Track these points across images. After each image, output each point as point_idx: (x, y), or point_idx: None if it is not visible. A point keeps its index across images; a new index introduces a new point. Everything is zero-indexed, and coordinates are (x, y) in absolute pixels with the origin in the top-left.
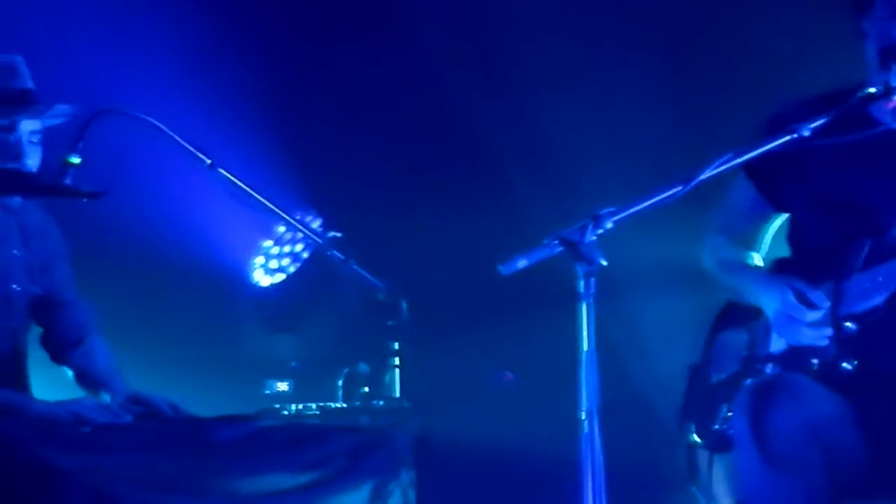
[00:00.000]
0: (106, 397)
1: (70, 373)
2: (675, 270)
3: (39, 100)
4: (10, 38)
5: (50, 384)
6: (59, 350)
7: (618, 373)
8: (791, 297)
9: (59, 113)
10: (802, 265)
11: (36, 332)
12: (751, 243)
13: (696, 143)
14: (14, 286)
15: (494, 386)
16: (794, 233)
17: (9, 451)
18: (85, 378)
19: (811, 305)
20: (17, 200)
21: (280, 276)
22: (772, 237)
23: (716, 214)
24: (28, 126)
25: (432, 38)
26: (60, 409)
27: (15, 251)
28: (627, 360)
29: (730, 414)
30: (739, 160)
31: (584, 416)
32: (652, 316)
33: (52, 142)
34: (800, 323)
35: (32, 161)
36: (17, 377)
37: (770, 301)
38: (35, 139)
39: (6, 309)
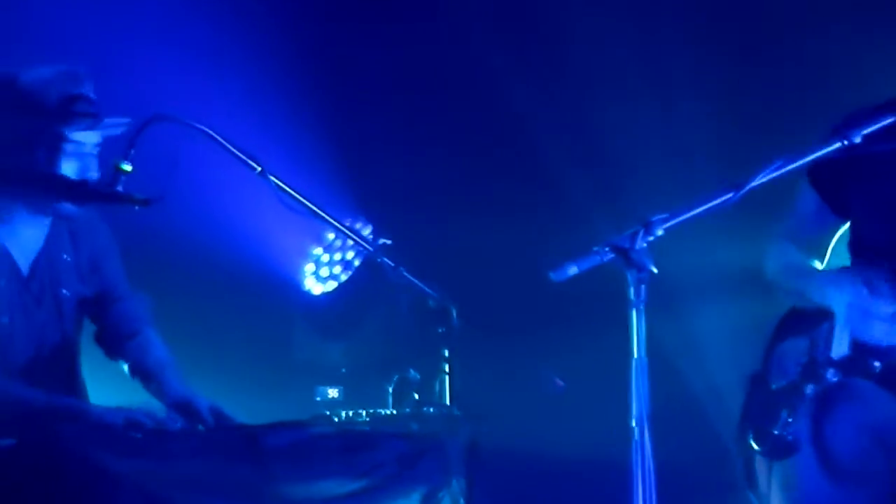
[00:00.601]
0: (157, 403)
1: (125, 366)
2: (731, 277)
3: (94, 111)
4: (66, 46)
5: (103, 387)
6: (114, 344)
7: (672, 380)
8: (865, 290)
9: (115, 124)
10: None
11: (89, 332)
12: (815, 251)
13: (752, 144)
14: (64, 291)
15: (545, 392)
16: (855, 240)
17: (64, 454)
18: (139, 370)
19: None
20: (69, 207)
21: (332, 284)
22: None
23: (781, 222)
24: (88, 137)
25: (484, 40)
26: (114, 414)
27: (65, 256)
28: (682, 367)
29: (790, 420)
30: (790, 167)
31: (634, 424)
32: (707, 323)
33: (105, 149)
34: (874, 316)
35: (91, 172)
36: (71, 381)
37: (841, 296)
38: (94, 151)
39: (57, 314)
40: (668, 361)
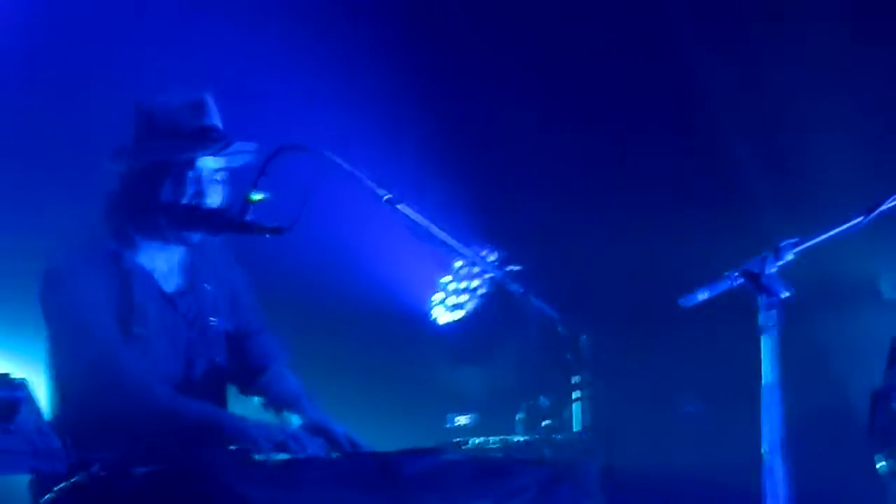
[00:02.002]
0: (293, 419)
1: (257, 399)
2: (862, 293)
3: (222, 137)
4: (192, 75)
5: None
6: (246, 379)
7: (809, 399)
8: None
9: (241, 149)
10: None
11: None
12: None
13: None
14: (212, 319)
15: (680, 416)
16: None
17: (203, 483)
18: (271, 401)
19: None
20: (196, 236)
21: (459, 313)
22: None
23: None
24: (213, 164)
25: (602, 64)
26: (268, 433)
27: (206, 286)
28: (817, 387)
29: None
30: None
31: (765, 451)
32: (838, 339)
33: (237, 179)
34: None
35: (213, 199)
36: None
37: None
38: (219, 177)
39: (206, 343)
40: (804, 380)
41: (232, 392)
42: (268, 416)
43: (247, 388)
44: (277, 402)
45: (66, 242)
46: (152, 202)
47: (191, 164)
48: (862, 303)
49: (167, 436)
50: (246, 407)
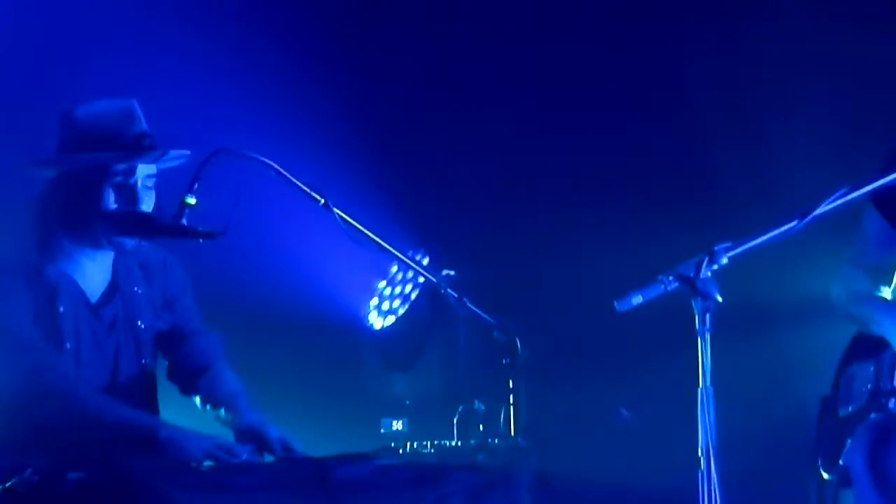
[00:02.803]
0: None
1: (198, 400)
2: (802, 302)
3: (156, 144)
4: (123, 81)
5: (179, 422)
6: (186, 379)
7: (743, 408)
8: None
9: (175, 156)
10: None
11: (162, 368)
12: (882, 276)
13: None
14: (139, 323)
15: (611, 423)
16: None
17: (133, 489)
18: (210, 400)
19: None
20: (130, 242)
21: (391, 319)
22: None
23: (849, 247)
24: (144, 170)
25: (539, 65)
26: (196, 443)
27: (137, 289)
28: (750, 394)
29: None
30: (855, 195)
31: (700, 454)
32: (780, 349)
33: (168, 183)
34: None
35: (147, 205)
36: (150, 412)
37: None
38: (150, 183)
39: (135, 346)
40: (743, 389)
41: (172, 392)
42: (207, 417)
43: (188, 389)
44: (216, 403)
45: None
46: (86, 209)
47: (129, 172)
48: (817, 313)
49: (100, 444)
50: (183, 406)
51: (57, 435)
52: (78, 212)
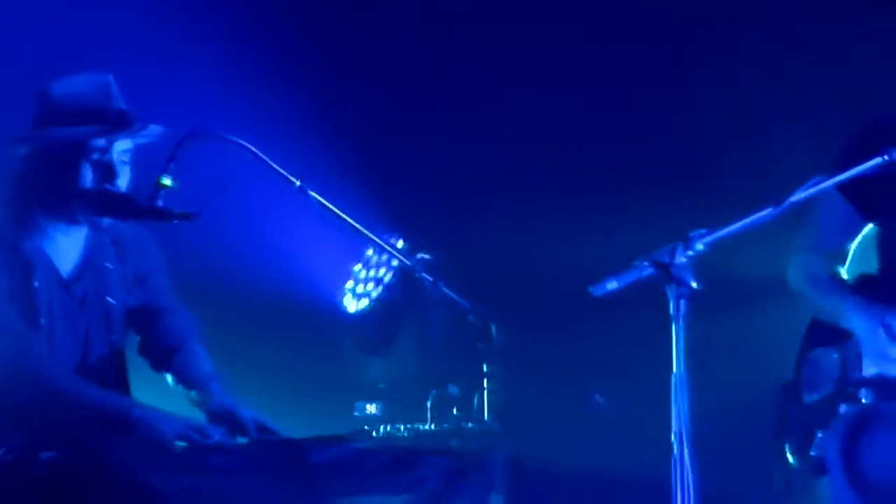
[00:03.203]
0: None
1: (170, 378)
2: (763, 285)
3: (134, 120)
4: (101, 57)
5: (146, 398)
6: (159, 357)
7: (713, 393)
8: (882, 334)
9: (152, 133)
10: (891, 281)
11: (133, 343)
12: (838, 259)
13: None
14: (109, 299)
15: (586, 408)
16: (884, 247)
17: (107, 469)
18: (183, 380)
19: None
20: (106, 221)
21: (364, 302)
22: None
23: (804, 232)
24: (120, 146)
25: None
26: (168, 424)
27: (108, 264)
28: (721, 379)
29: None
30: (830, 182)
31: (674, 438)
32: (742, 332)
33: (144, 163)
34: (890, 359)
35: (122, 181)
36: (119, 389)
37: (861, 329)
38: (126, 158)
39: (105, 322)
40: (708, 373)
41: (142, 369)
42: (177, 394)
43: (160, 366)
44: (188, 382)
45: None
46: (63, 186)
47: (105, 148)
48: (773, 296)
49: (73, 425)
50: (153, 383)
51: (30, 415)
52: (54, 188)
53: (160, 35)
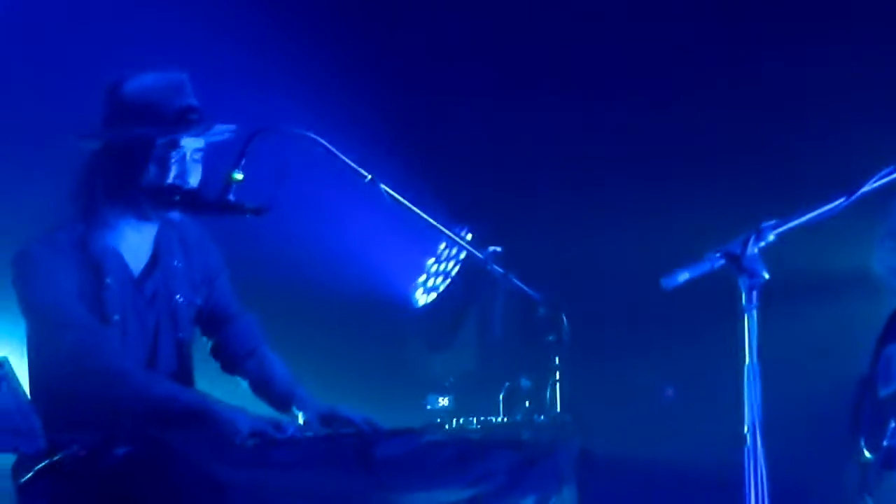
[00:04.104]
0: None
1: (244, 382)
2: (844, 277)
3: (203, 118)
4: (175, 55)
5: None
6: (232, 361)
7: (785, 385)
8: None
9: (221, 131)
10: None
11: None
12: None
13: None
14: (178, 297)
15: (656, 400)
16: None
17: (175, 463)
18: (263, 387)
19: None
20: (176, 215)
21: (432, 296)
22: None
23: (887, 220)
24: (192, 144)
25: (585, 44)
26: (242, 420)
27: (176, 262)
28: (795, 372)
29: None
30: None
31: (747, 430)
32: (819, 325)
33: (216, 158)
34: None
35: (194, 179)
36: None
37: None
38: (198, 157)
39: (171, 320)
40: (781, 366)
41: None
42: (258, 400)
43: (232, 369)
44: (269, 387)
45: (34, 228)
46: (133, 182)
47: (175, 144)
48: (852, 288)
49: (150, 421)
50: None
51: (108, 414)
52: (125, 184)
53: (232, 29)
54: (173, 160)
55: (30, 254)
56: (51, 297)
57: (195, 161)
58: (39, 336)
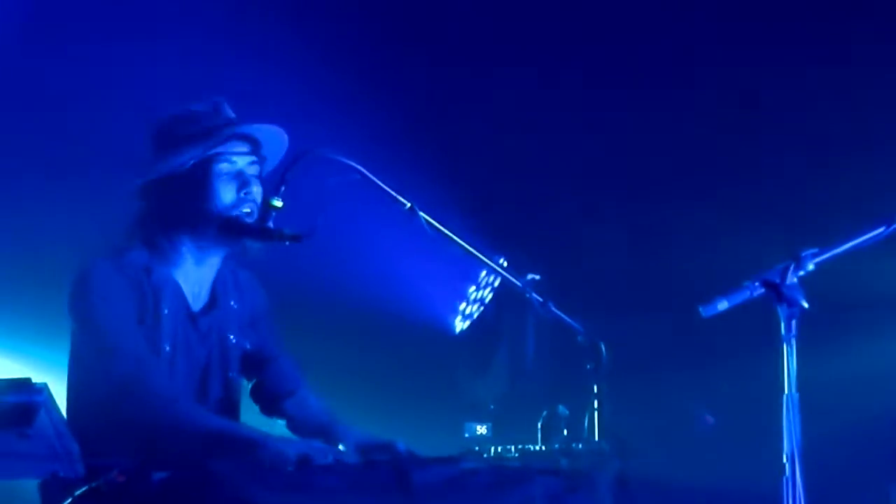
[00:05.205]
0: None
1: (283, 422)
2: (885, 305)
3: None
4: (216, 83)
5: None
6: (272, 402)
7: (825, 414)
8: None
9: (271, 139)
10: None
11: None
12: None
13: None
14: (231, 337)
15: (695, 428)
16: None
17: (217, 490)
18: (302, 426)
19: None
20: (228, 244)
21: (467, 323)
22: None
23: None
24: (243, 159)
25: (621, 70)
26: (289, 447)
27: (233, 303)
28: (835, 402)
29: None
30: None
31: (785, 459)
32: (863, 355)
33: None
34: None
35: (257, 192)
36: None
37: None
38: (254, 171)
39: (224, 359)
40: (821, 395)
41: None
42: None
43: (272, 411)
44: (309, 426)
45: (97, 250)
46: (194, 207)
47: (218, 157)
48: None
49: (196, 450)
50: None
51: (151, 442)
52: (188, 214)
53: (268, 57)
54: (231, 176)
55: (93, 272)
56: (108, 320)
57: (254, 176)
58: (90, 357)
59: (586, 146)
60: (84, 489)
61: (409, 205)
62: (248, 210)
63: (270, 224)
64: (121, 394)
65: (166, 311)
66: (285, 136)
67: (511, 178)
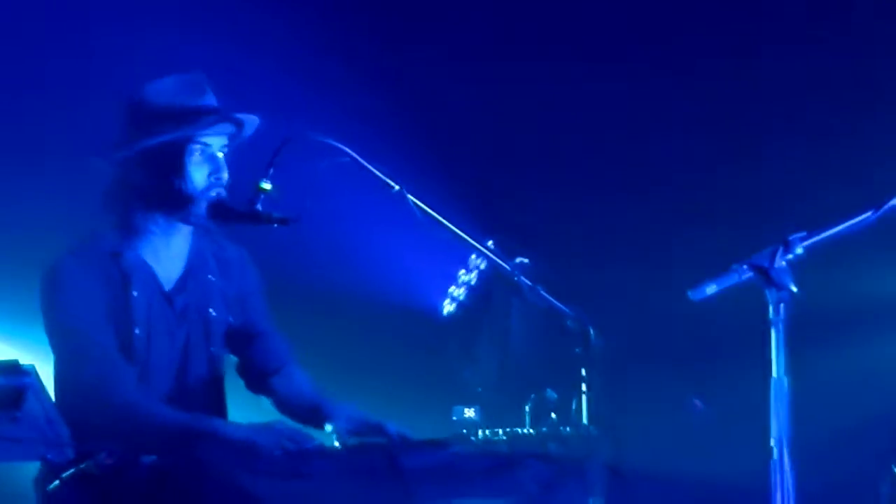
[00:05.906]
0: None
1: (269, 400)
2: (874, 303)
3: (224, 114)
4: (201, 60)
5: (245, 410)
6: (258, 379)
7: (817, 405)
8: None
9: (242, 121)
10: None
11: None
12: None
13: None
14: (211, 311)
15: (685, 413)
16: None
17: (204, 474)
18: (289, 403)
19: None
20: (209, 222)
21: (454, 306)
22: None
23: None
24: (218, 141)
25: (612, 59)
26: (258, 435)
27: (211, 276)
28: (823, 389)
29: None
30: None
31: (773, 443)
32: (857, 351)
33: (243, 168)
34: None
35: (225, 175)
36: (216, 402)
37: None
38: (224, 152)
39: (204, 334)
40: (814, 387)
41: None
42: (281, 416)
43: (257, 388)
44: (295, 404)
45: (63, 242)
46: (166, 187)
47: (193, 139)
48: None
49: (163, 450)
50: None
51: (117, 440)
52: (155, 192)
53: (256, 38)
54: (204, 159)
55: (58, 271)
56: (75, 323)
57: (223, 159)
58: (61, 362)
59: (579, 129)
60: (72, 471)
61: (398, 188)
62: (215, 194)
63: (259, 207)
64: (86, 399)
65: (136, 294)
66: (258, 122)
67: (502, 161)
